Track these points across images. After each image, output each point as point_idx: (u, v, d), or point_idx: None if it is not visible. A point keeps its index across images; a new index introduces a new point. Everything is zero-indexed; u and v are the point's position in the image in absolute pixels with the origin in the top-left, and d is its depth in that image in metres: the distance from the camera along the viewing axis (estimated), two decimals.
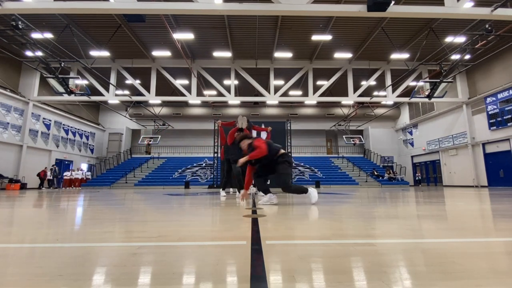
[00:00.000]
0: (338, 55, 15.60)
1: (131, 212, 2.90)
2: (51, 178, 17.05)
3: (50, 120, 18.05)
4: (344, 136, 21.80)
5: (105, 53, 14.84)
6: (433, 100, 13.71)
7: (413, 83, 15.63)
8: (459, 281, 0.85)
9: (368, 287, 0.82)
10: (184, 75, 17.39)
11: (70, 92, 12.08)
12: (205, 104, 24.14)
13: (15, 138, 15.41)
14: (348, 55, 15.64)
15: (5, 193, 8.78)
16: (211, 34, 13.75)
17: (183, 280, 0.88)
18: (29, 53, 12.62)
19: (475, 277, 0.90)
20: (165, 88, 18.96)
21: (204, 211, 3.07)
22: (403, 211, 2.94)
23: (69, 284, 0.84)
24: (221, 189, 6.65)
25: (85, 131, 21.78)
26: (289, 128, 16.87)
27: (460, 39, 12.50)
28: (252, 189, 6.00)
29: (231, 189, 7.90)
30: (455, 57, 12.20)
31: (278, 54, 15.47)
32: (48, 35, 12.57)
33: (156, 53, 15.33)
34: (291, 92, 19.76)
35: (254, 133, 7.47)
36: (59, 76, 11.62)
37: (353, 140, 21.60)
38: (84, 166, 21.30)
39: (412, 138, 22.47)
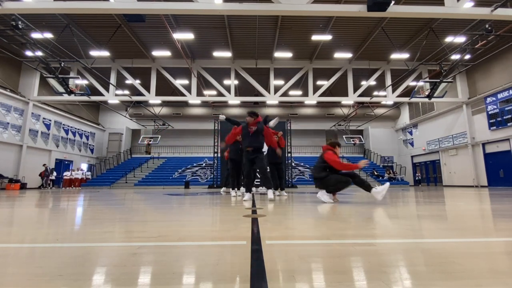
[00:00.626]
0: (338, 55, 15.59)
1: (131, 212, 2.90)
2: (52, 178, 17.07)
3: (50, 120, 18.05)
4: (344, 136, 21.80)
5: (105, 53, 14.83)
6: (433, 100, 13.71)
7: (413, 83, 15.63)
8: (459, 281, 0.85)
9: (368, 287, 0.82)
10: (184, 75, 17.38)
11: (70, 92, 12.08)
12: (205, 104, 24.14)
13: (15, 138, 15.41)
14: (348, 55, 15.64)
15: (5, 193, 8.77)
16: (211, 34, 13.75)
17: (183, 280, 0.88)
18: (29, 53, 12.62)
19: (475, 277, 0.90)
20: (165, 88, 18.96)
21: (204, 211, 3.07)
22: (403, 211, 2.94)
23: (69, 284, 0.84)
24: (231, 189, 6.42)
25: (85, 131, 21.78)
26: (289, 128, 16.88)
27: (460, 39, 12.49)
28: (261, 189, 5.96)
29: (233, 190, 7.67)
30: (455, 57, 12.20)
31: (278, 54, 15.47)
32: (48, 35, 12.56)
33: (156, 53, 15.33)
34: (291, 92, 19.76)
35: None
36: (59, 76, 11.62)
37: (353, 140, 21.60)
38: (84, 166, 21.30)
39: (412, 138, 22.48)
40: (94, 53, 14.60)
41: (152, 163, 22.11)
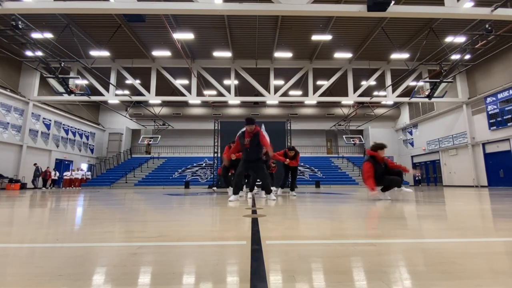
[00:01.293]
0: (338, 55, 15.59)
1: (131, 212, 2.90)
2: (55, 178, 17.07)
3: (50, 120, 18.05)
4: (344, 136, 21.80)
5: (105, 53, 14.83)
6: (433, 100, 13.71)
7: (413, 83, 15.63)
8: (459, 281, 0.85)
9: (368, 287, 0.82)
10: (184, 75, 17.38)
11: (70, 92, 12.08)
12: (205, 104, 24.14)
13: (15, 138, 15.42)
14: (348, 55, 15.64)
15: (5, 193, 8.78)
16: (211, 34, 13.75)
17: (183, 280, 0.88)
18: (29, 53, 12.61)
19: (475, 277, 0.90)
20: (165, 88, 18.96)
21: (204, 211, 3.07)
22: (403, 211, 2.94)
23: (69, 284, 0.84)
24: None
25: (85, 131, 21.78)
26: (289, 128, 16.88)
27: (460, 39, 12.49)
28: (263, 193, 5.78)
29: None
30: (455, 57, 12.20)
31: (278, 54, 15.47)
32: (48, 35, 12.56)
33: (156, 53, 15.33)
34: (291, 92, 19.76)
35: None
36: (59, 76, 11.62)
37: (353, 140, 21.60)
38: (84, 166, 21.30)
39: (412, 138, 22.48)
40: (94, 53, 14.60)
41: (152, 163, 22.11)
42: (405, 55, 14.89)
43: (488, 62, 14.83)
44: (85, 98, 15.59)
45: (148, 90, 16.06)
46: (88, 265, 1.04)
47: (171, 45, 14.29)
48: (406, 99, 16.26)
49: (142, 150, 25.60)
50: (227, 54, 15.35)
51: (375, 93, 18.38)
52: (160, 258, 1.14)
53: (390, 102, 21.49)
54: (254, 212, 2.83)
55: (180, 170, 20.28)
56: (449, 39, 13.21)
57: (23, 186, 15.03)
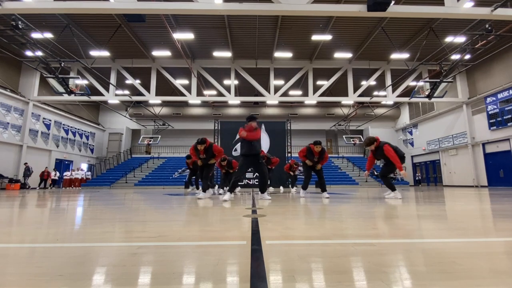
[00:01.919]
0: (338, 55, 15.59)
1: (131, 212, 2.90)
2: (55, 178, 17.06)
3: (50, 120, 18.05)
4: (344, 136, 21.81)
5: (105, 53, 14.84)
6: (433, 100, 13.71)
7: (413, 83, 15.63)
8: (459, 281, 0.85)
9: (368, 287, 0.82)
10: (184, 75, 17.39)
11: (70, 92, 12.08)
12: (205, 104, 24.14)
13: (15, 138, 15.42)
14: (348, 55, 15.64)
15: (5, 193, 8.78)
16: (211, 34, 13.75)
17: (183, 280, 0.88)
18: (29, 53, 12.61)
19: (475, 277, 0.90)
20: (165, 88, 18.96)
21: (204, 211, 3.07)
22: (403, 211, 2.94)
23: (69, 284, 0.84)
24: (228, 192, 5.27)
25: (85, 131, 21.78)
26: (289, 128, 16.88)
27: (460, 39, 12.50)
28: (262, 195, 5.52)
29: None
30: (455, 57, 12.20)
31: (278, 54, 15.47)
32: (48, 35, 12.56)
33: (156, 53, 15.33)
34: (291, 92, 19.76)
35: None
36: (59, 76, 11.62)
37: (353, 140, 21.60)
38: (84, 166, 21.30)
39: (412, 138, 22.48)
40: (94, 53, 14.60)
41: (152, 163, 22.10)
42: (405, 55, 14.89)
43: (488, 62, 14.83)
44: (85, 98, 15.59)
45: (148, 90, 16.06)
46: (88, 265, 1.04)
47: (171, 45, 14.29)
48: (406, 99, 16.26)
49: (142, 150, 25.60)
50: (227, 54, 15.35)
51: (375, 93, 18.38)
52: (160, 258, 1.14)
53: (390, 102, 21.49)
54: (254, 212, 2.83)
55: (180, 170, 20.26)
56: (449, 39, 13.21)
57: (23, 186, 15.03)
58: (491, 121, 15.10)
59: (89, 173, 20.32)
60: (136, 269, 0.99)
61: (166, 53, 15.22)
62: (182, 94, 16.44)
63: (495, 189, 11.62)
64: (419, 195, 6.41)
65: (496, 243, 1.41)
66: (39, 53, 11.20)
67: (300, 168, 9.21)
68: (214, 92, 18.87)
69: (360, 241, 1.44)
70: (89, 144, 22.42)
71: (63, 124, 19.35)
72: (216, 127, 15.96)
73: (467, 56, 12.88)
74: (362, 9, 7.54)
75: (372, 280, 0.87)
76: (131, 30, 13.25)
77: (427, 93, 12.55)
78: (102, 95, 15.99)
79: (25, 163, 15.48)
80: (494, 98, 14.84)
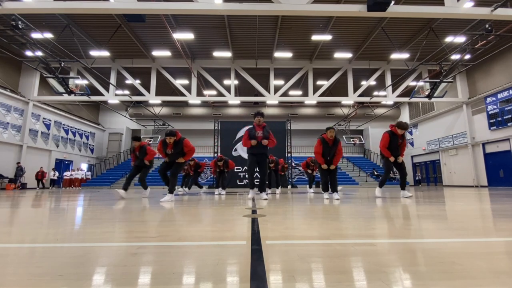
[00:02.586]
0: (338, 55, 15.60)
1: (131, 212, 2.90)
2: (55, 178, 17.04)
3: (50, 120, 18.05)
4: (344, 136, 21.81)
5: (105, 53, 14.84)
6: (433, 100, 13.72)
7: (413, 83, 15.63)
8: (459, 281, 0.85)
9: (368, 287, 0.82)
10: (184, 75, 17.39)
11: (70, 92, 12.08)
12: (205, 104, 24.14)
13: (15, 138, 15.42)
14: (348, 55, 15.64)
15: (5, 193, 8.77)
16: (211, 34, 13.75)
17: (183, 280, 0.88)
18: (29, 53, 12.61)
19: (475, 277, 0.90)
20: (165, 88, 18.96)
21: (204, 211, 3.07)
22: (403, 211, 2.94)
23: (69, 284, 0.84)
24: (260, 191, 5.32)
25: (85, 131, 21.78)
26: (289, 128, 16.89)
27: (460, 39, 12.49)
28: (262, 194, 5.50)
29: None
30: (455, 57, 12.20)
31: (278, 54, 15.47)
32: (48, 35, 12.56)
33: (156, 53, 15.33)
34: (291, 92, 19.76)
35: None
36: (59, 76, 11.62)
37: (353, 140, 21.60)
38: (84, 166, 21.30)
39: (412, 138, 22.48)
40: (94, 53, 14.60)
41: None
42: (405, 55, 14.89)
43: (488, 62, 14.83)
44: (85, 98, 15.59)
45: (148, 90, 16.06)
46: (88, 265, 1.04)
47: (171, 45, 14.29)
48: (406, 99, 16.26)
49: None
50: (227, 54, 15.35)
51: (375, 93, 18.38)
52: (160, 258, 1.14)
53: (390, 102, 21.49)
54: (254, 212, 2.83)
55: None
56: (449, 39, 13.21)
57: (23, 186, 15.02)
58: (491, 121, 15.10)
59: (89, 173, 20.32)
60: (136, 269, 0.99)
61: (166, 53, 15.22)
62: (182, 94, 16.44)
63: (495, 189, 11.62)
64: (419, 195, 6.41)
65: (496, 243, 1.41)
66: (39, 53, 11.20)
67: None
68: (214, 92, 18.87)
69: (360, 241, 1.43)
70: (89, 144, 22.41)
71: (63, 124, 19.35)
72: (216, 127, 15.95)
73: (467, 56, 12.88)
74: (362, 9, 7.54)
75: (372, 280, 0.87)
76: (131, 30, 13.25)
77: (427, 93, 12.55)
78: (102, 95, 15.99)
79: (18, 163, 15.27)
80: (494, 98, 14.84)
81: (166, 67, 16.38)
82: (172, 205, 3.84)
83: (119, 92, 17.39)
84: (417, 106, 21.69)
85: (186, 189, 9.06)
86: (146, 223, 2.13)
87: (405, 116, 23.57)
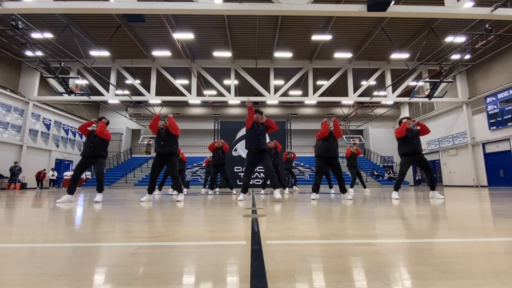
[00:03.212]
0: (338, 55, 15.59)
1: (131, 212, 2.90)
2: (54, 178, 17.03)
3: (50, 120, 18.05)
4: (344, 136, 21.78)
5: (105, 53, 14.83)
6: (433, 100, 13.71)
7: (413, 83, 15.63)
8: (459, 281, 0.85)
9: (368, 287, 0.82)
10: (184, 75, 17.38)
11: (70, 92, 12.07)
12: (205, 104, 24.14)
13: (15, 138, 15.41)
14: (348, 55, 15.64)
15: (5, 193, 8.77)
16: (211, 34, 13.75)
17: (183, 280, 0.88)
18: (29, 53, 12.61)
19: (475, 277, 0.90)
20: (165, 88, 18.95)
21: (204, 211, 3.07)
22: (403, 211, 2.94)
23: (69, 284, 0.84)
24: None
25: None
26: (289, 128, 16.87)
27: (460, 39, 12.49)
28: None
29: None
30: (455, 57, 12.19)
31: (278, 54, 15.47)
32: (48, 35, 12.55)
33: (156, 53, 15.32)
34: (291, 92, 19.75)
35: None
36: (59, 76, 11.61)
37: (353, 140, 21.54)
38: None
39: None
40: (94, 53, 14.60)
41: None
42: (405, 55, 14.89)
43: (488, 62, 14.83)
44: (85, 98, 15.58)
45: (148, 90, 16.06)
46: (88, 265, 1.04)
47: (171, 45, 14.28)
48: (406, 99, 16.25)
49: (142, 150, 25.57)
50: (227, 54, 15.35)
51: (375, 93, 18.37)
52: (160, 258, 1.14)
53: (390, 102, 21.49)
54: (254, 212, 2.83)
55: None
56: (449, 39, 13.20)
57: (23, 186, 15.01)
58: (491, 121, 15.10)
59: (89, 173, 20.30)
60: (136, 269, 0.99)
61: (166, 53, 15.22)
62: (182, 94, 16.43)
63: (495, 189, 11.62)
64: (419, 195, 6.41)
65: (496, 243, 1.41)
66: (39, 53, 11.19)
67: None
68: (214, 92, 18.87)
69: (360, 241, 1.43)
70: None
71: (63, 124, 19.35)
72: (216, 127, 15.95)
73: (467, 56, 12.87)
74: (362, 9, 7.54)
75: (372, 280, 0.87)
76: (131, 30, 13.25)
77: (427, 93, 12.54)
78: (102, 95, 15.98)
79: (15, 162, 15.02)
80: (494, 98, 14.84)
81: (166, 67, 16.37)
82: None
83: (119, 92, 17.38)
84: (417, 106, 21.69)
85: (217, 188, 8.51)
86: (146, 223, 2.13)
87: (405, 116, 23.56)
